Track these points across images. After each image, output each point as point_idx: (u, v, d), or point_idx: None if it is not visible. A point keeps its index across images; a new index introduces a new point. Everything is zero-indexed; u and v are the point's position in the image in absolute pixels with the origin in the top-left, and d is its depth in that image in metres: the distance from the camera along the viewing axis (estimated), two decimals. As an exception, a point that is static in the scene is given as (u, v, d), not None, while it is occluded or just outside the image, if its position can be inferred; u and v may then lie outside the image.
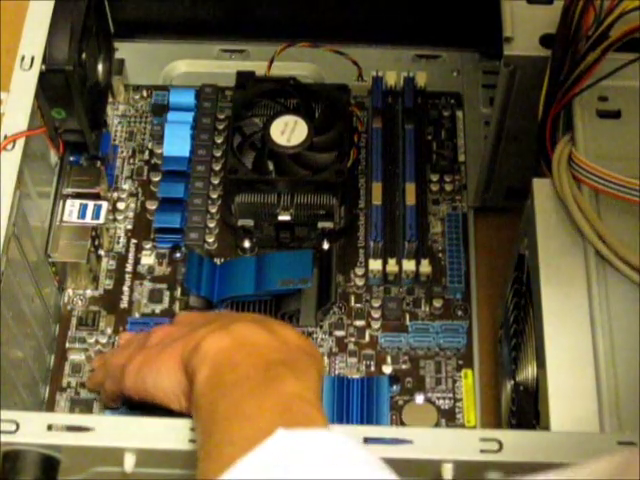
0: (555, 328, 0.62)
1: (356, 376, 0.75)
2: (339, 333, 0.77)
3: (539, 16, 0.71)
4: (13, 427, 0.57)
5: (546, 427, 0.60)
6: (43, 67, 0.71)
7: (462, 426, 0.74)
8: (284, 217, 0.79)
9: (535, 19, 0.71)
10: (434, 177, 0.83)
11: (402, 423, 0.74)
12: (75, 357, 0.76)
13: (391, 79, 0.84)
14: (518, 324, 0.70)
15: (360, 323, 0.78)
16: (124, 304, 0.79)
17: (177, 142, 0.82)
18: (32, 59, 0.72)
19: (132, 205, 0.83)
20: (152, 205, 0.82)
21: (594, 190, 0.64)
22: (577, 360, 0.61)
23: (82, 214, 0.77)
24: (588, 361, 0.61)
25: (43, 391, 0.75)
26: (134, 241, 0.81)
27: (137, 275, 0.80)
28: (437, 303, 0.78)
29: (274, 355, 0.57)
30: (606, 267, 0.64)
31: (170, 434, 0.57)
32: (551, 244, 0.65)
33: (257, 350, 0.57)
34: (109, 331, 0.77)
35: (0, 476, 0.57)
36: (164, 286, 0.79)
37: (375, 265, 0.78)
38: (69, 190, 0.78)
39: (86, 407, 0.74)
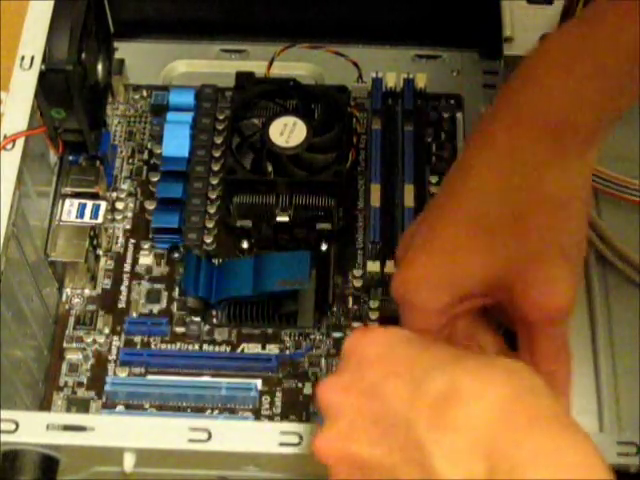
0: (555, 328, 0.62)
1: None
2: (337, 334, 0.77)
3: (539, 16, 0.72)
4: (12, 427, 0.57)
5: (546, 427, 0.60)
6: (43, 67, 0.71)
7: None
8: (282, 218, 0.78)
9: (535, 19, 0.72)
10: (433, 179, 0.83)
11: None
12: (72, 356, 0.76)
13: (391, 80, 0.84)
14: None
15: (358, 325, 0.77)
16: (122, 304, 0.78)
17: (176, 142, 0.81)
18: (32, 59, 0.72)
19: (131, 205, 0.82)
20: (151, 205, 0.81)
21: (594, 190, 0.64)
22: (577, 360, 0.61)
23: (80, 214, 0.77)
24: (588, 361, 0.61)
25: (43, 391, 0.75)
26: (132, 241, 0.81)
27: (135, 275, 0.79)
28: (435, 305, 0.78)
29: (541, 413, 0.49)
30: (606, 267, 0.64)
31: (170, 434, 0.57)
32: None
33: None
34: (107, 331, 0.77)
35: (-1, 475, 0.57)
36: (162, 286, 0.79)
37: (373, 267, 0.77)
38: (68, 189, 0.78)
39: (83, 407, 0.74)
